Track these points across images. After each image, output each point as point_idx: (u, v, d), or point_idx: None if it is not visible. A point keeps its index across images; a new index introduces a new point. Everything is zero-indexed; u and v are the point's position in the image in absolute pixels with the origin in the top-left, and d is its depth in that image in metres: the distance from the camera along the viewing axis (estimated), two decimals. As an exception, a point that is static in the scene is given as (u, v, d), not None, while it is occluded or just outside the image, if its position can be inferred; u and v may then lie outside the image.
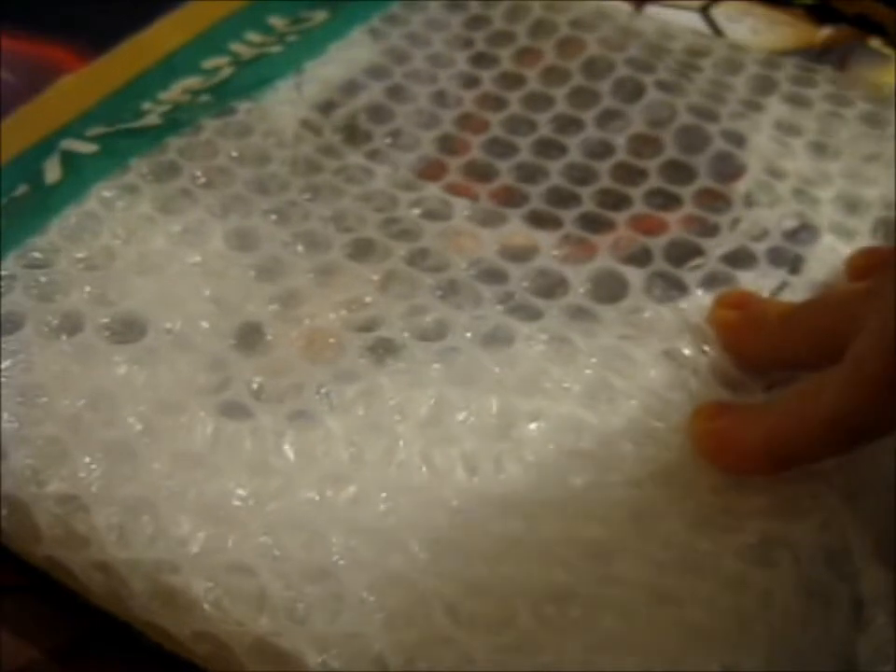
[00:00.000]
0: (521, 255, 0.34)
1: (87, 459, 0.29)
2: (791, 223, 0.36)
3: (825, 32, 0.46)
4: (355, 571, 0.27)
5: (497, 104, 0.39)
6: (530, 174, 0.37)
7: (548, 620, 0.26)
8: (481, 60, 0.41)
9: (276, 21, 0.43)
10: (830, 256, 0.35)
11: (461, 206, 0.36)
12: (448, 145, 0.38)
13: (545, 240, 0.35)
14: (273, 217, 0.35)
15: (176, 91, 0.40)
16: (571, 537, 0.27)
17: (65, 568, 0.28)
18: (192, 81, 0.41)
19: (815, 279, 0.34)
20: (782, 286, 0.34)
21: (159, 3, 0.43)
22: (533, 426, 0.30)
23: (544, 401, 0.30)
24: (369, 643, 0.26)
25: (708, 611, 0.26)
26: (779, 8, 0.47)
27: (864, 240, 0.35)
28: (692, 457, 0.29)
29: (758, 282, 0.34)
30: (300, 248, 0.34)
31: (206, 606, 0.27)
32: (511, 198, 0.36)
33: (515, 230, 0.35)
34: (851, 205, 0.36)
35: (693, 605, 0.26)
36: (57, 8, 0.44)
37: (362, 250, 0.34)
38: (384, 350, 0.31)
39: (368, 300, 0.32)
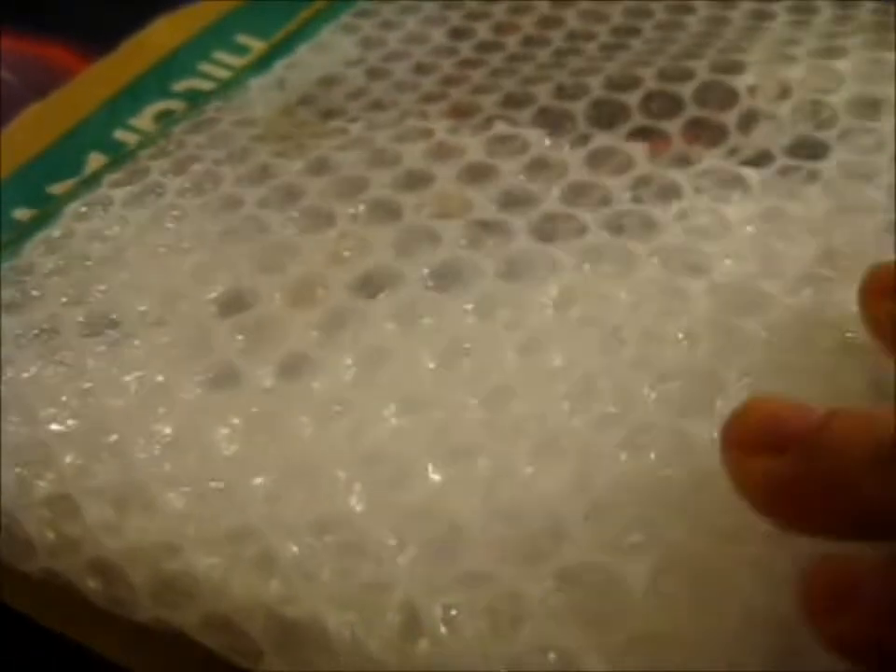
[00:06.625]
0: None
1: (72, 456, 0.26)
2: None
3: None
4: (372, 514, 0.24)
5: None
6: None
7: None
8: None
9: (249, 41, 0.42)
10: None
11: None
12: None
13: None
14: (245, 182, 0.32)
15: (147, 117, 0.39)
16: None
17: (62, 579, 0.26)
18: (165, 105, 0.39)
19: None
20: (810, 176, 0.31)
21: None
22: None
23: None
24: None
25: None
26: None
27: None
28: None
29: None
30: (277, 204, 0.31)
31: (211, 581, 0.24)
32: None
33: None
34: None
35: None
36: (57, 8, 0.43)
37: (345, 188, 0.31)
38: (376, 287, 0.29)
39: (355, 244, 0.30)
